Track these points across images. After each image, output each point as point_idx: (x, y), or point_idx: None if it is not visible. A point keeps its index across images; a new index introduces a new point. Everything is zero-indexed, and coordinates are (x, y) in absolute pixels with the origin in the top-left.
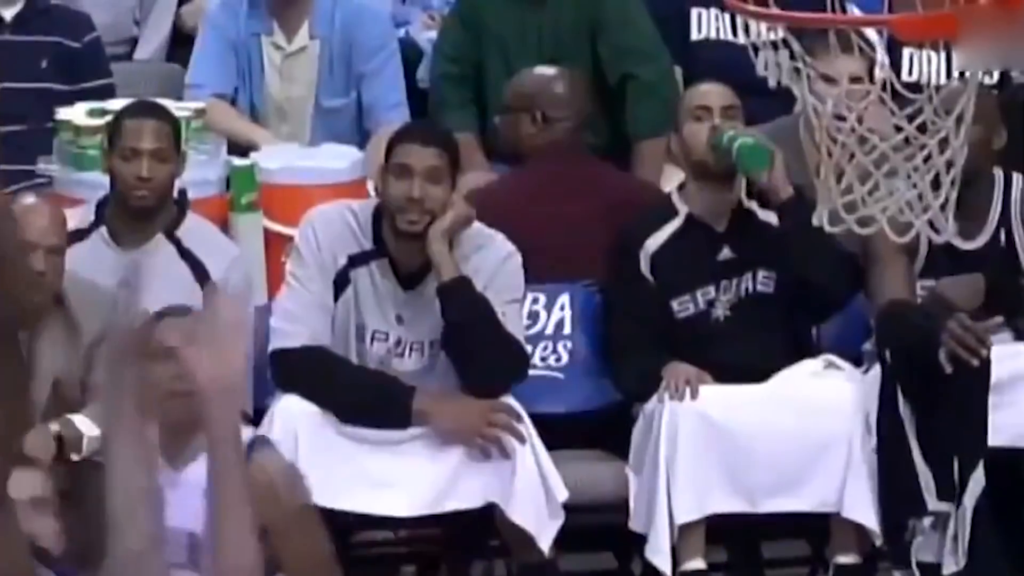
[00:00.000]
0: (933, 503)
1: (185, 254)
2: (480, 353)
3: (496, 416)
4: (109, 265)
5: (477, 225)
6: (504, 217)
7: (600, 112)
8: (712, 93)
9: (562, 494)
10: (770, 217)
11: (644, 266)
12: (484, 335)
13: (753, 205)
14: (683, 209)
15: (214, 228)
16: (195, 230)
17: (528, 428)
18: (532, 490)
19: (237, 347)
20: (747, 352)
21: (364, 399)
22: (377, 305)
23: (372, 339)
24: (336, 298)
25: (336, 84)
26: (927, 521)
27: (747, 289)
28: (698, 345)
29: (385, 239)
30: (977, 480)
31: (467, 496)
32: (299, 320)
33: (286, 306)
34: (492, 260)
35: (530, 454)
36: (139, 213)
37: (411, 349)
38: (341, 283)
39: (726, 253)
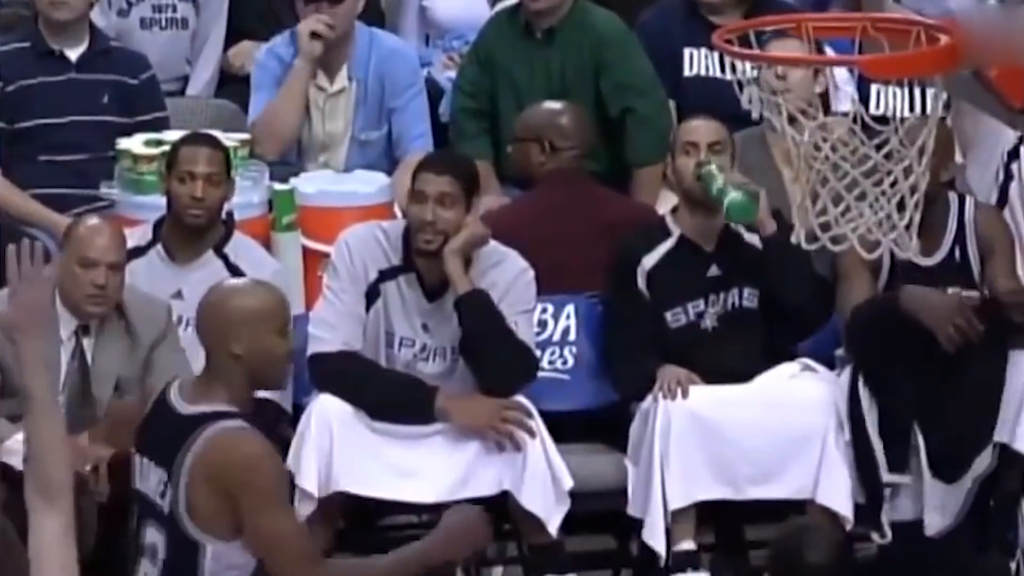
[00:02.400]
0: (887, 475)
1: (232, 268)
2: (494, 357)
3: (509, 413)
4: (164, 278)
5: (493, 243)
6: (516, 236)
7: (602, 142)
8: (700, 129)
9: (568, 483)
10: (754, 239)
11: (641, 281)
12: (497, 342)
13: (740, 228)
14: (676, 230)
15: (257, 245)
16: (241, 247)
17: (537, 423)
18: (541, 479)
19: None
20: (732, 357)
21: (392, 398)
22: (404, 315)
23: (400, 345)
24: (368, 308)
25: (370, 118)
26: (888, 491)
27: (733, 303)
28: (688, 351)
29: (412, 255)
30: (983, 460)
31: (483, 484)
32: (334, 328)
33: (322, 315)
34: (507, 275)
35: (539, 447)
36: (192, 231)
37: (435, 354)
38: (372, 295)
39: (714, 271)
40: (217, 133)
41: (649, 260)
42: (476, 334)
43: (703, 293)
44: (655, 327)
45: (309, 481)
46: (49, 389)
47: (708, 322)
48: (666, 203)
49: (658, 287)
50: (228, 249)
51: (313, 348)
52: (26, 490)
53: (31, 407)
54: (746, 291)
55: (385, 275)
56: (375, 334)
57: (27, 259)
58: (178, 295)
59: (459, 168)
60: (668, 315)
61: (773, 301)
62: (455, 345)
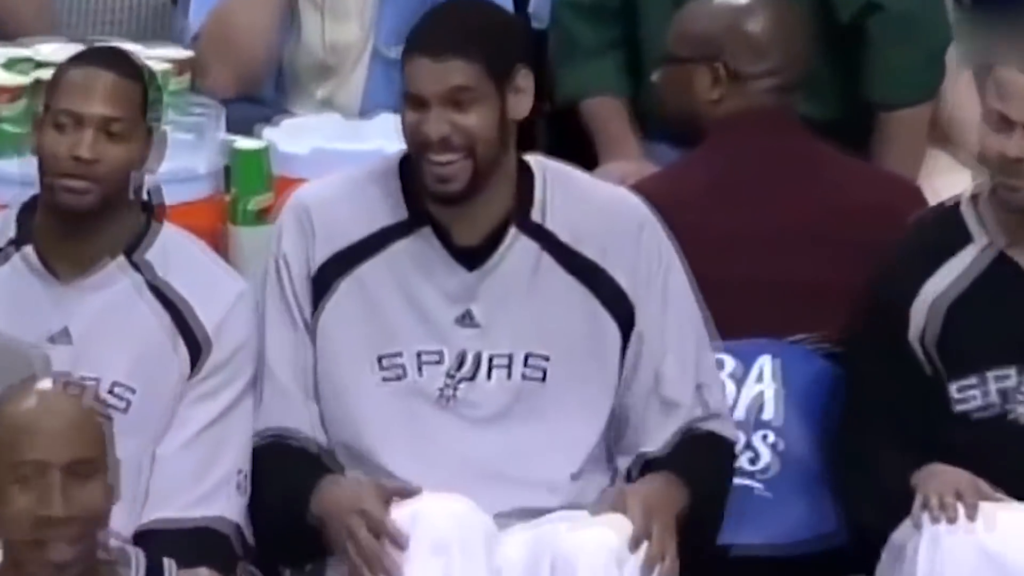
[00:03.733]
0: None
1: (158, 290)
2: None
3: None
4: (37, 306)
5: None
6: (672, 230)
7: (826, 66)
8: None
9: None
10: None
11: (916, 325)
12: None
13: None
14: (980, 234)
15: (203, 248)
16: (174, 252)
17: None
18: None
19: None
20: None
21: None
22: (418, 305)
23: (419, 366)
24: (316, 315)
25: (404, 19)
26: None
27: None
28: (982, 449)
29: (421, 201)
30: None
31: None
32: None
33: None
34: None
35: None
36: (73, 220)
37: (491, 366)
38: (332, 284)
39: None
40: (133, 47)
41: (932, 287)
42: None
43: (1020, 354)
44: (932, 407)
45: None
46: None
47: (1021, 408)
48: (950, 180)
49: (946, 339)
50: (150, 254)
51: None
52: None
53: None
54: None
55: (372, 243)
56: (351, 367)
57: None
58: (62, 337)
59: (472, 37)
60: (954, 388)
61: None
62: (528, 348)
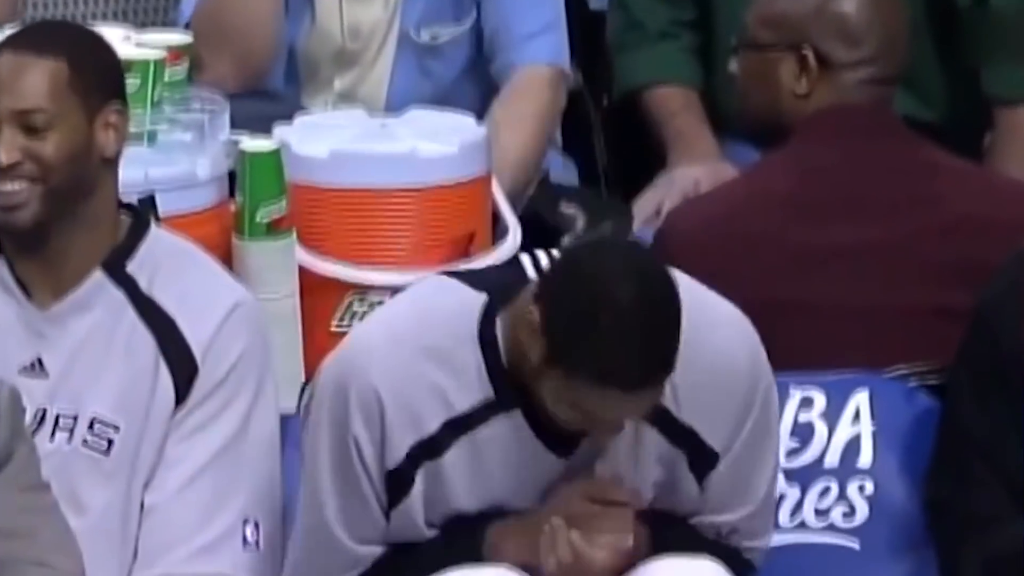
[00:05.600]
0: None
1: (143, 308)
2: None
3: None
4: (10, 330)
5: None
6: (746, 246)
7: (930, 55)
8: None
9: None
10: None
11: None
12: None
13: None
14: None
15: (206, 260)
16: (162, 262)
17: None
18: None
19: None
20: None
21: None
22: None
23: None
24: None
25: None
26: None
27: None
28: None
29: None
30: None
31: None
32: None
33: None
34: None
35: None
36: (29, 239)
37: None
38: (411, 475)
39: None
40: (118, 29)
41: None
42: None
43: None
44: None
45: None
46: None
47: None
48: None
49: None
50: (133, 266)
51: None
52: None
53: None
54: None
55: (457, 426)
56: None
57: None
58: (34, 368)
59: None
60: None
61: None
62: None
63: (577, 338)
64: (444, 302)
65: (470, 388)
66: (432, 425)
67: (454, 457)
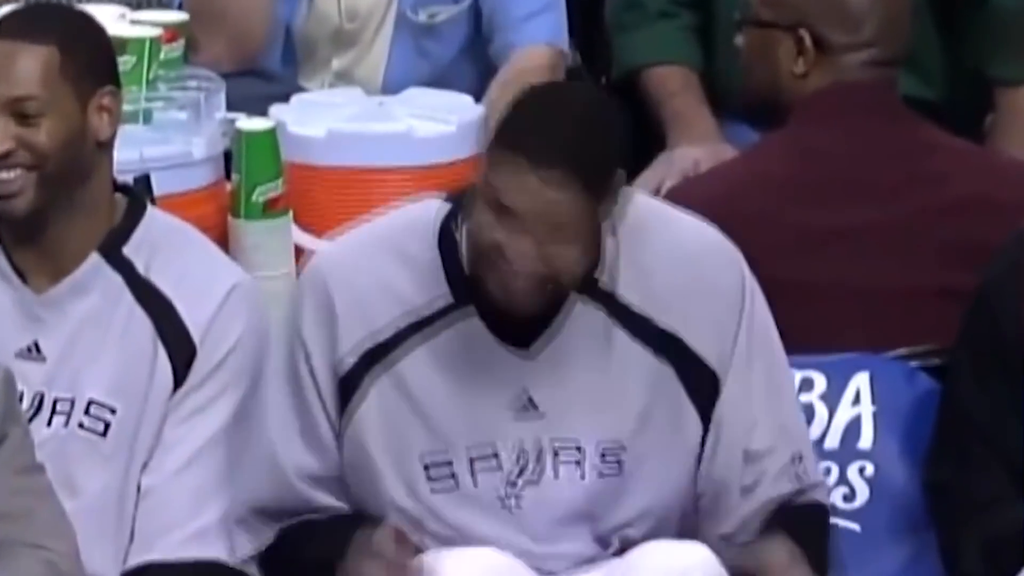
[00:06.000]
0: None
1: (140, 291)
2: None
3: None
4: (6, 314)
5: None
6: (746, 226)
7: (931, 36)
8: None
9: None
10: None
11: None
12: None
13: None
14: None
15: (203, 241)
16: (159, 244)
17: None
18: None
19: None
20: None
21: None
22: (466, 398)
23: (471, 470)
24: (345, 417)
25: None
26: None
27: None
28: None
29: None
30: None
31: None
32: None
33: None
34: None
35: None
36: (26, 226)
37: (555, 458)
38: (360, 382)
39: None
40: (113, 8)
41: None
42: None
43: None
44: None
45: None
46: None
47: None
48: None
49: None
50: (129, 249)
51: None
52: None
53: None
54: None
55: (410, 331)
56: (391, 470)
57: None
58: (31, 352)
59: (586, 148)
60: None
61: None
62: (600, 437)
63: (504, 121)
64: (412, 208)
65: (426, 286)
66: (383, 320)
67: (410, 366)
